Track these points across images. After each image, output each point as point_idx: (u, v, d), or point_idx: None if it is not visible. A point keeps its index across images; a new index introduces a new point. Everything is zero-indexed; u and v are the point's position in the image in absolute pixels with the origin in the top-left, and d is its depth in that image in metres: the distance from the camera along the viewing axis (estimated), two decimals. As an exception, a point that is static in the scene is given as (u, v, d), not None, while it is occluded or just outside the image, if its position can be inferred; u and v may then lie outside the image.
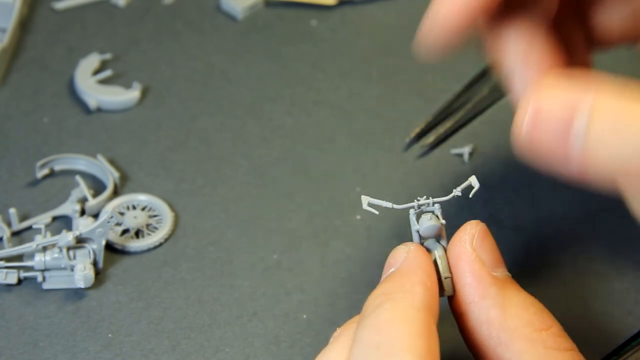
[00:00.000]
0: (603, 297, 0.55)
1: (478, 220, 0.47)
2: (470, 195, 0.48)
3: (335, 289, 0.56)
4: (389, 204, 0.48)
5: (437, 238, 0.48)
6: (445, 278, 0.47)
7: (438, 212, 0.48)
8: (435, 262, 0.47)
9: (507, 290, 0.45)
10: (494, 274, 0.46)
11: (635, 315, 0.54)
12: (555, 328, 0.44)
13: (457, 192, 0.48)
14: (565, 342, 0.44)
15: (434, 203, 0.48)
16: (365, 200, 0.49)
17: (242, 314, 0.54)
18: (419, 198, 0.48)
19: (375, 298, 0.44)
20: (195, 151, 0.63)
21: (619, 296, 0.55)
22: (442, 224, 0.48)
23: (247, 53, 0.70)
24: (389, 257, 0.47)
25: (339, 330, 0.46)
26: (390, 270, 0.46)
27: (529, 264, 0.57)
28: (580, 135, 0.42)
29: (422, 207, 0.49)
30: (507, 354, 0.44)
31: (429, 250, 0.48)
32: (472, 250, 0.46)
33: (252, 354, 0.53)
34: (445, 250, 0.48)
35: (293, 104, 0.66)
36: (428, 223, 0.48)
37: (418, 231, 0.48)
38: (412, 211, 0.48)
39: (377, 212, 0.49)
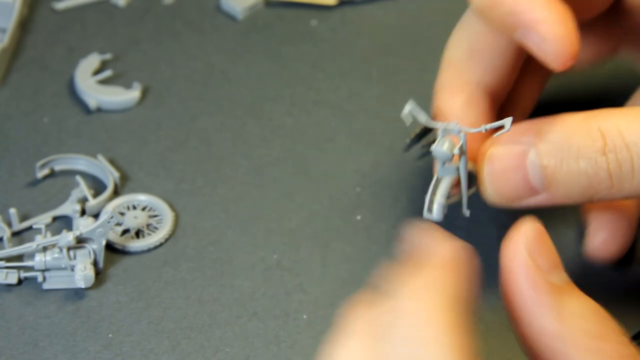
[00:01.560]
0: (603, 298, 0.55)
1: (533, 219, 0.45)
2: (495, 135, 0.49)
3: (335, 289, 0.56)
4: (424, 118, 0.50)
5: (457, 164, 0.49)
6: (434, 201, 0.49)
7: (463, 141, 0.49)
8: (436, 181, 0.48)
9: (565, 297, 0.43)
10: (551, 279, 0.43)
11: (634, 316, 0.55)
12: (615, 335, 0.42)
13: (484, 127, 0.49)
14: (627, 350, 0.42)
15: (460, 131, 0.49)
16: (409, 106, 0.50)
17: (242, 314, 0.54)
18: (457, 123, 0.49)
19: (406, 291, 0.40)
20: (195, 151, 0.63)
21: (618, 296, 0.55)
22: (453, 153, 0.49)
23: (247, 53, 0.70)
24: (416, 235, 0.42)
25: (350, 315, 0.41)
26: (415, 257, 0.42)
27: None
28: (536, 165, 0.49)
29: (449, 131, 0.49)
30: None
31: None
32: (527, 255, 0.43)
33: (252, 354, 0.53)
34: (458, 175, 0.50)
35: (293, 104, 0.66)
36: (440, 148, 0.49)
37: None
38: (440, 132, 0.49)
39: (407, 124, 0.50)
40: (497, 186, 0.51)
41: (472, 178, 0.53)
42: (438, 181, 0.50)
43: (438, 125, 0.49)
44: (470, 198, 0.53)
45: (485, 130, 0.49)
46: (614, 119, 0.48)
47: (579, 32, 0.49)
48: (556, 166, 0.49)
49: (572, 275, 0.57)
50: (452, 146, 0.48)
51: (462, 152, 0.49)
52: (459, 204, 0.52)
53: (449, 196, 0.51)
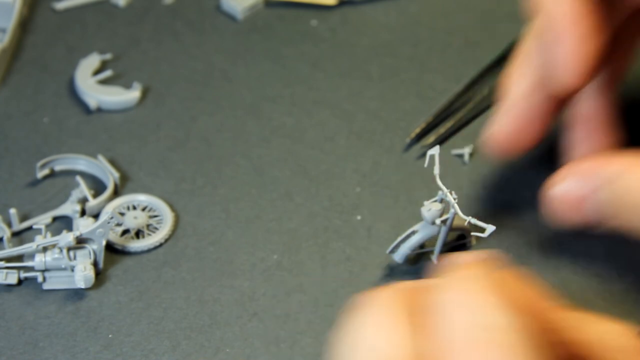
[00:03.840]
0: (603, 298, 0.55)
1: None
2: (484, 235, 0.52)
3: (335, 289, 0.56)
4: (437, 170, 0.52)
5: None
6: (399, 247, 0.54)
7: (449, 216, 0.52)
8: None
9: None
10: None
11: (635, 317, 0.54)
12: None
13: (470, 219, 0.51)
14: None
15: (453, 205, 0.52)
16: (434, 151, 0.53)
17: (242, 314, 0.54)
18: (452, 193, 0.52)
19: None
20: (195, 151, 0.63)
21: (619, 297, 0.55)
22: (435, 222, 0.53)
23: (247, 53, 0.70)
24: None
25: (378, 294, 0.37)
26: None
27: (529, 265, 0.57)
28: (595, 210, 0.52)
29: (446, 196, 0.52)
30: None
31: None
32: None
33: (252, 354, 0.53)
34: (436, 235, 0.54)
35: (293, 104, 0.66)
36: (425, 211, 0.53)
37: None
38: (439, 195, 0.53)
39: (425, 165, 0.53)
40: (558, 219, 0.54)
41: (462, 236, 0.57)
42: (413, 233, 0.54)
43: (441, 188, 0.52)
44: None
45: (469, 223, 0.52)
46: None
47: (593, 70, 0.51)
48: (614, 213, 0.51)
49: (571, 277, 0.57)
50: (437, 214, 0.52)
51: (445, 224, 0.53)
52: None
53: (422, 247, 0.55)
